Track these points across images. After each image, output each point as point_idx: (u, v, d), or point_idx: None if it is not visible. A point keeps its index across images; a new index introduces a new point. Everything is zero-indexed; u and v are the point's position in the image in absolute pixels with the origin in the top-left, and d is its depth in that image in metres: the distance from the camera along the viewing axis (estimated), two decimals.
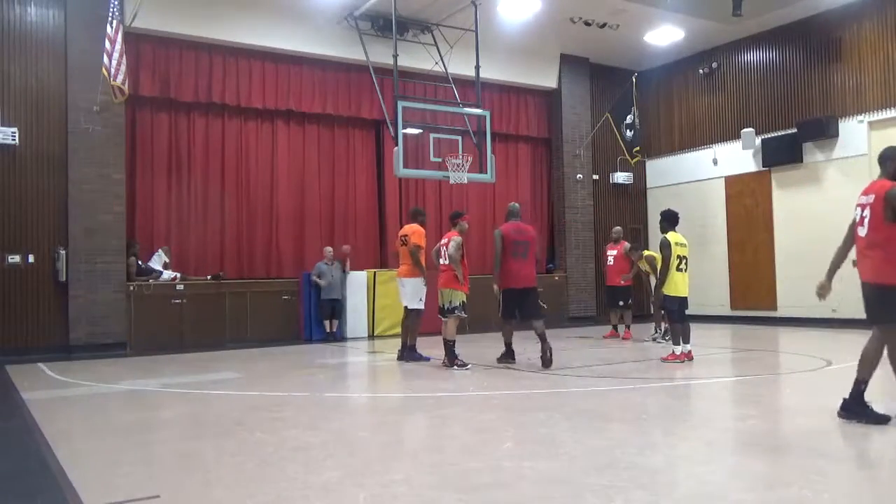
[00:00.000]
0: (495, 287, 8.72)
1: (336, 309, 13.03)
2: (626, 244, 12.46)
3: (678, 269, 8.79)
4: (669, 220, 9.06)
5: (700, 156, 16.45)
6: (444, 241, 9.02)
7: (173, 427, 5.88)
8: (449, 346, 8.72)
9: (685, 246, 8.97)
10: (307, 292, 12.98)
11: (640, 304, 16.78)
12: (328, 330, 12.95)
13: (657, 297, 10.37)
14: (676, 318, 8.93)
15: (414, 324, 9.54)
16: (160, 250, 12.31)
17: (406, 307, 9.50)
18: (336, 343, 12.59)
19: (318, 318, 12.99)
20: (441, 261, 8.96)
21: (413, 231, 9.33)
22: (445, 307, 8.80)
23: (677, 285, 8.82)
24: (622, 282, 12.15)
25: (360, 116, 14.35)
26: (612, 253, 12.50)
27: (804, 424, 5.49)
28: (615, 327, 12.52)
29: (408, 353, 9.50)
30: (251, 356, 10.70)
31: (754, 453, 4.54)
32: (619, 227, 13.01)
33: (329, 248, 13.20)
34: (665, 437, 5.18)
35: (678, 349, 8.86)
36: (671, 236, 8.86)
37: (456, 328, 8.83)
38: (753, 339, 12.23)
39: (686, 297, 8.95)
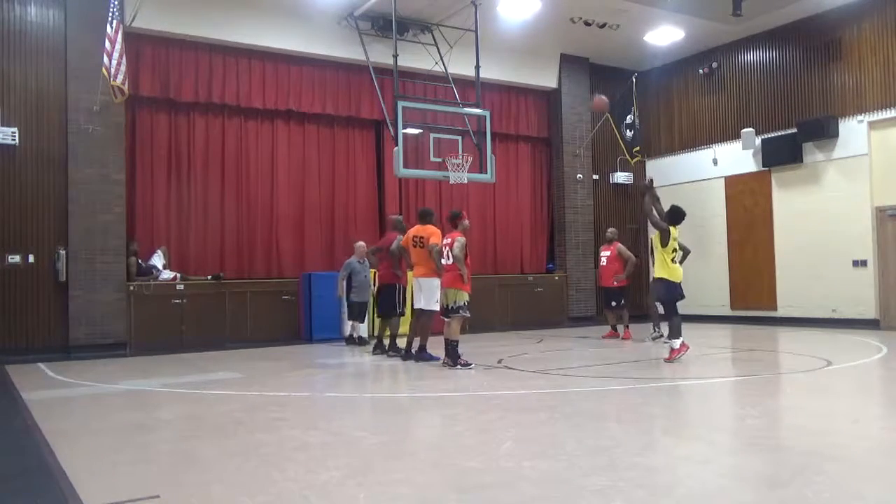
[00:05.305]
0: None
1: (364, 311, 12.16)
2: (620, 245, 12.49)
3: (673, 262, 8.89)
4: (672, 215, 9.07)
5: (700, 156, 16.45)
6: (446, 240, 9.03)
7: (173, 427, 5.88)
8: (452, 346, 8.75)
9: (676, 240, 9.05)
10: (306, 293, 12.94)
11: (640, 304, 16.82)
12: (352, 334, 12.07)
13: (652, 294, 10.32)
14: (677, 310, 8.96)
15: (427, 324, 9.60)
16: (158, 250, 12.31)
17: (419, 308, 9.57)
18: (361, 347, 11.73)
19: (320, 321, 12.75)
20: (443, 260, 8.98)
21: (431, 232, 9.38)
22: (450, 307, 8.82)
23: (676, 273, 8.94)
24: (615, 283, 12.20)
25: (359, 116, 14.35)
26: (605, 254, 12.57)
27: (804, 424, 5.49)
28: (614, 327, 12.54)
29: (418, 353, 9.54)
30: (251, 356, 10.69)
31: (754, 453, 4.54)
32: (613, 229, 13.03)
33: (362, 243, 12.12)
34: (665, 437, 5.18)
35: (677, 343, 8.84)
36: (671, 229, 8.95)
37: (459, 328, 8.86)
38: (753, 339, 12.22)
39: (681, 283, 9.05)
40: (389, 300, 10.35)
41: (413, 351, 9.63)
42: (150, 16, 11.60)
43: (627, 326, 12.28)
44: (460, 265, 8.72)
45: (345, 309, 12.52)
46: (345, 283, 11.81)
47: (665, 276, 8.94)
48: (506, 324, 15.08)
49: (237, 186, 13.31)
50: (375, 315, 11.61)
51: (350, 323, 12.20)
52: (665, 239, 8.85)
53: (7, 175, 11.04)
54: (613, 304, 12.37)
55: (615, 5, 13.54)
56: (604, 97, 13.84)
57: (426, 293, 9.36)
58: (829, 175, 13.99)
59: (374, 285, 11.42)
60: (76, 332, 11.16)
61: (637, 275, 16.18)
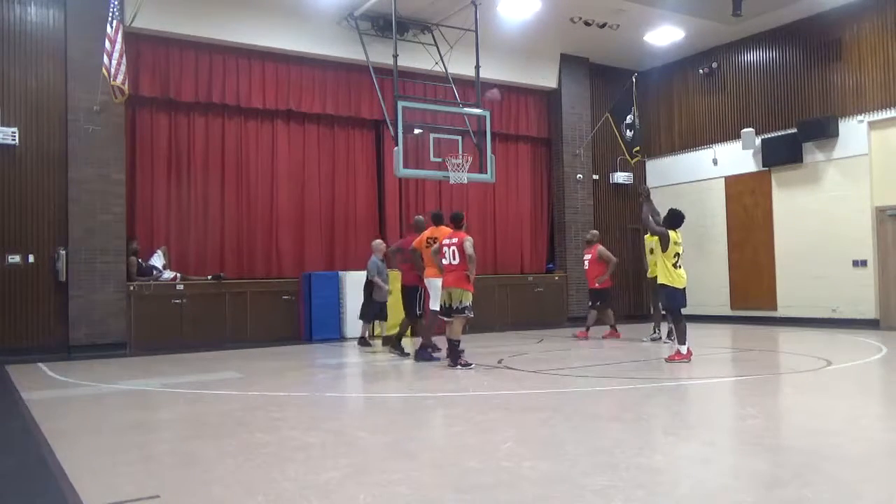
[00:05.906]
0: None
1: (384, 310, 11.60)
2: (600, 247, 12.57)
3: (675, 266, 8.85)
4: (671, 219, 9.05)
5: (700, 156, 16.44)
6: (452, 240, 8.98)
7: (173, 427, 5.88)
8: (454, 346, 8.74)
9: (679, 244, 9.03)
10: (306, 293, 12.93)
11: (638, 304, 16.84)
12: (371, 333, 11.75)
13: (656, 297, 10.38)
14: (681, 316, 8.95)
15: (431, 324, 9.63)
16: (158, 251, 12.32)
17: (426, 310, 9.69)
18: (362, 347, 11.45)
19: (320, 321, 12.76)
20: (444, 261, 8.97)
21: (444, 234, 9.38)
22: (454, 307, 8.80)
23: (680, 278, 8.92)
24: (597, 284, 12.34)
25: (360, 116, 14.35)
26: (586, 257, 12.73)
27: (804, 424, 5.49)
28: (613, 327, 12.55)
29: (418, 352, 9.59)
30: (251, 356, 10.69)
31: (754, 453, 4.54)
32: (594, 231, 13.26)
33: (380, 241, 11.90)
34: (665, 437, 5.18)
35: (683, 348, 8.84)
36: (671, 233, 8.92)
37: (461, 328, 8.86)
38: (753, 339, 12.22)
39: (685, 289, 9.04)
40: (410, 302, 10.21)
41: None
42: (150, 16, 11.60)
43: (589, 328, 12.46)
44: (472, 264, 8.73)
45: (346, 310, 12.44)
46: (377, 280, 11.28)
47: (667, 282, 8.92)
48: (506, 324, 15.08)
49: (237, 186, 13.31)
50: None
51: (370, 323, 11.72)
52: (665, 244, 8.83)
53: (7, 175, 11.04)
54: (590, 303, 12.64)
55: (615, 5, 13.54)
56: (496, 94, 13.29)
57: (432, 293, 9.42)
58: (829, 175, 13.99)
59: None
60: (76, 332, 11.16)
61: (636, 276, 16.26)
